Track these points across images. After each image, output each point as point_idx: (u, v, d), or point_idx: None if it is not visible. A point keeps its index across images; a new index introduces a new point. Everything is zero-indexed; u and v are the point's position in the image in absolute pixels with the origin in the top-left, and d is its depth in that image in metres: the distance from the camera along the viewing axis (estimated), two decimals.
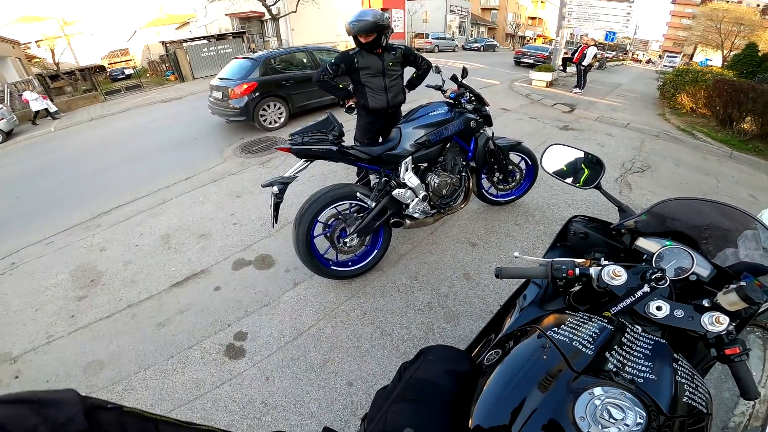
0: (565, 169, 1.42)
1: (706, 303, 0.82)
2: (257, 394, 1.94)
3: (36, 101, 11.24)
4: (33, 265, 3.23)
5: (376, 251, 2.69)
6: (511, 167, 3.21)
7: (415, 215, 2.64)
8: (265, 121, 6.49)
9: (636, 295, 0.82)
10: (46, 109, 11.42)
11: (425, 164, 2.71)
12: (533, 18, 50.74)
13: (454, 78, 2.79)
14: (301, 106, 6.89)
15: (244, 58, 6.87)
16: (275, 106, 6.54)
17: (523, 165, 3.33)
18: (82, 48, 34.08)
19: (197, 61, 17.14)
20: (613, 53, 33.27)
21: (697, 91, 8.04)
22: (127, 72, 25.50)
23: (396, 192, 2.49)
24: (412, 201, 2.57)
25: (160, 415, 0.39)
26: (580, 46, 10.23)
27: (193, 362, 2.15)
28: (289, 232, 2.62)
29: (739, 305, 0.77)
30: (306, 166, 2.34)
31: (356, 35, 2.74)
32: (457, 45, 28.26)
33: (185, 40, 18.05)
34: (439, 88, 2.95)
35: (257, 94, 6.21)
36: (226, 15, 22.07)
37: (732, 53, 24.56)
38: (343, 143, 2.34)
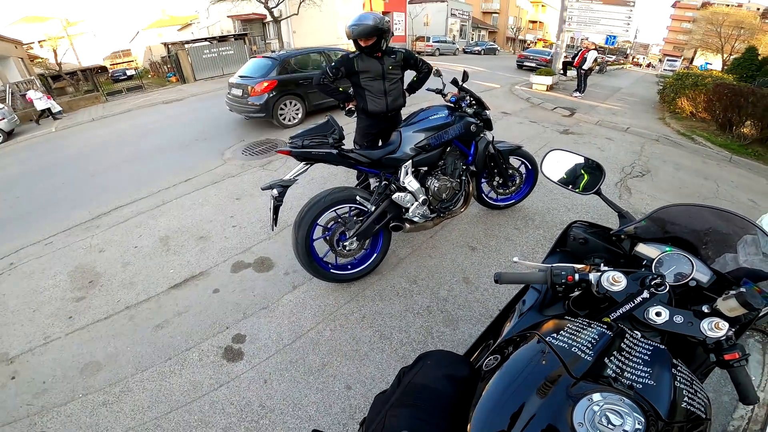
0: (565, 175, 1.42)
1: (705, 309, 0.82)
2: (255, 396, 1.93)
3: (40, 100, 11.28)
4: (31, 266, 3.22)
5: (375, 255, 2.68)
6: (511, 171, 3.21)
7: (415, 219, 2.63)
8: (283, 118, 6.68)
9: (635, 301, 0.82)
10: (49, 109, 11.45)
11: (425, 168, 2.71)
12: (534, 22, 50.95)
13: (454, 81, 2.80)
14: (317, 105, 7.08)
15: (263, 56, 7.11)
16: (293, 104, 6.77)
17: (522, 169, 3.33)
18: (85, 48, 34.23)
19: (199, 62, 17.19)
20: (614, 57, 33.38)
21: (697, 95, 8.07)
22: (128, 73, 25.62)
23: (396, 196, 2.49)
24: (412, 205, 2.57)
25: None
26: (581, 49, 10.28)
27: (191, 364, 2.14)
28: (288, 235, 2.62)
29: (739, 311, 0.77)
30: (306, 169, 2.34)
31: (356, 39, 2.75)
32: (457, 48, 28.37)
33: (187, 42, 18.10)
34: (439, 91, 2.96)
35: (276, 92, 6.41)
36: (228, 17, 22.14)
37: (732, 57, 24.64)
38: (343, 146, 2.34)
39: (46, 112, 11.44)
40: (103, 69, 25.71)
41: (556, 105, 8.29)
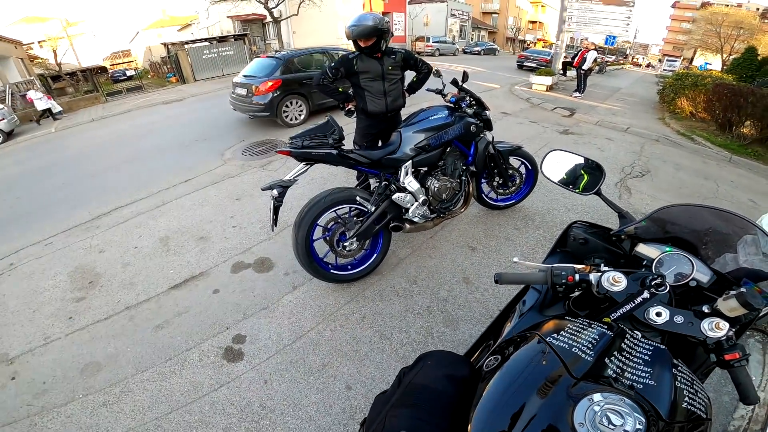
0: (565, 175, 1.42)
1: (705, 309, 0.82)
2: (255, 397, 1.93)
3: (40, 100, 11.29)
4: (31, 266, 3.22)
5: (375, 255, 2.68)
6: (510, 171, 3.21)
7: (415, 219, 2.63)
8: (287, 117, 6.72)
9: (636, 301, 0.82)
10: (50, 110, 11.45)
11: (425, 168, 2.71)
12: (533, 22, 50.98)
13: (454, 82, 2.80)
14: (320, 104, 7.10)
15: (267, 56, 7.15)
16: (296, 103, 6.82)
17: (522, 169, 3.33)
18: (85, 49, 34.20)
19: (199, 63, 17.20)
20: (613, 57, 33.40)
21: (697, 95, 8.08)
22: (128, 73, 25.63)
23: (396, 196, 2.49)
24: (412, 205, 2.57)
25: None
26: (581, 50, 10.28)
27: (191, 365, 2.14)
28: (288, 236, 2.62)
29: (739, 311, 0.77)
30: (306, 169, 2.34)
31: (356, 39, 2.75)
32: (457, 49, 28.39)
33: (187, 42, 18.11)
34: (439, 92, 2.96)
35: (280, 91, 6.47)
36: (227, 17, 22.16)
37: (731, 57, 24.66)
38: (343, 147, 2.34)
39: (46, 113, 11.44)
40: (103, 69, 25.73)
41: (556, 105, 8.30)
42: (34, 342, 2.40)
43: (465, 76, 2.83)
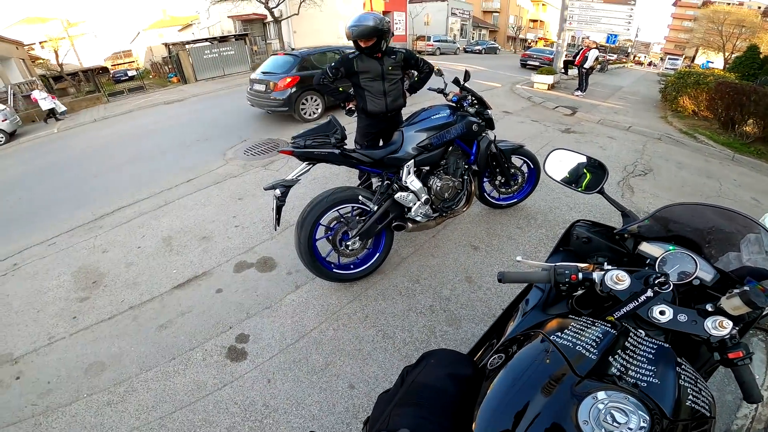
0: (568, 174, 1.42)
1: (709, 307, 0.82)
2: (259, 396, 1.94)
3: (45, 100, 11.34)
4: (35, 266, 3.24)
5: (378, 254, 2.69)
6: (513, 170, 3.20)
7: (417, 218, 2.64)
8: (304, 112, 6.98)
9: (639, 300, 0.82)
10: (53, 110, 11.49)
11: (427, 167, 2.71)
12: (534, 21, 50.82)
13: (456, 81, 2.79)
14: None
15: (284, 54, 7.46)
16: (313, 99, 7.05)
17: (525, 168, 3.33)
18: (86, 49, 34.29)
19: (200, 63, 17.19)
20: (615, 56, 33.29)
21: (699, 93, 8.05)
22: (130, 73, 25.62)
23: (398, 195, 2.49)
24: (414, 204, 2.57)
25: None
26: (582, 48, 10.26)
27: (195, 364, 2.15)
28: (291, 235, 2.63)
29: (743, 310, 0.77)
30: (308, 169, 2.34)
31: (356, 40, 2.75)
32: (458, 48, 28.30)
33: (188, 42, 18.11)
34: (441, 91, 2.95)
35: (297, 87, 6.70)
36: (228, 17, 22.14)
37: (734, 55, 24.55)
38: (345, 146, 2.35)
39: (50, 113, 11.47)
40: (105, 70, 25.71)
41: (558, 104, 8.28)
42: (38, 342, 2.41)
43: (467, 75, 2.82)
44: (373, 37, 2.72)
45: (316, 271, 2.47)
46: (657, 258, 0.97)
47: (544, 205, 3.63)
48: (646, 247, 1.03)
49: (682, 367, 0.74)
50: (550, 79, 10.39)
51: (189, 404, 1.92)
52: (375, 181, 2.73)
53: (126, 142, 7.33)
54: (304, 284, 2.71)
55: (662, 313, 0.81)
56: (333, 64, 2.92)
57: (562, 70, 12.12)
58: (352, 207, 2.49)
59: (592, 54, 9.55)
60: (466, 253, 2.97)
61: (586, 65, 9.64)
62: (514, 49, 41.18)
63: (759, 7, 40.26)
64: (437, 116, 2.64)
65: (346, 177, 4.27)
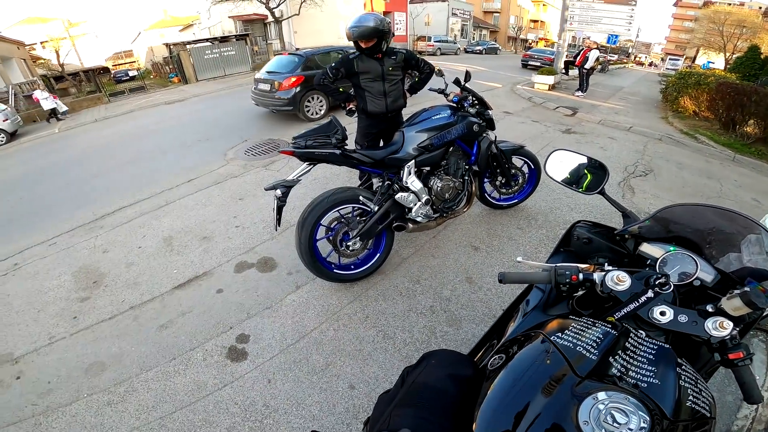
0: (568, 174, 1.42)
1: (709, 308, 0.82)
2: (259, 396, 1.94)
3: (47, 100, 11.36)
4: (36, 266, 3.24)
5: (378, 255, 2.69)
6: (513, 171, 3.20)
7: (418, 219, 2.64)
8: (309, 112, 7.03)
9: (640, 301, 0.82)
10: (54, 109, 11.50)
11: (428, 168, 2.71)
12: (535, 21, 50.84)
13: (456, 81, 2.79)
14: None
15: (289, 54, 7.52)
16: (317, 99, 7.15)
17: (525, 169, 3.33)
18: (87, 49, 34.32)
19: (201, 63, 17.22)
20: (616, 56, 33.27)
21: (700, 94, 8.04)
22: (131, 74, 25.65)
23: (399, 196, 2.49)
24: (415, 205, 2.57)
25: None
26: (583, 48, 10.26)
27: (195, 364, 2.15)
28: (291, 235, 2.63)
29: (743, 310, 0.77)
30: (309, 169, 2.34)
31: (356, 40, 2.75)
32: (459, 48, 28.31)
33: (189, 42, 18.12)
34: (441, 91, 2.95)
35: (302, 87, 6.76)
36: (229, 17, 22.18)
37: (734, 56, 24.54)
38: (346, 147, 2.35)
39: (52, 113, 11.49)
40: (106, 70, 25.74)
41: (558, 104, 8.28)
42: (38, 342, 2.41)
43: (467, 76, 2.82)
44: (373, 38, 2.72)
45: (317, 272, 2.47)
46: (657, 259, 0.97)
47: (544, 206, 3.63)
48: (646, 248, 1.03)
49: (683, 367, 0.74)
50: (550, 79, 10.39)
51: (189, 404, 1.92)
52: (376, 182, 2.73)
53: (127, 142, 7.34)
54: (305, 284, 2.71)
55: (663, 313, 0.81)
56: (333, 64, 2.92)
57: (563, 71, 12.12)
58: (353, 207, 2.49)
59: (593, 54, 9.55)
60: (466, 253, 2.97)
61: (587, 66, 9.64)
62: (515, 49, 41.19)
63: (760, 8, 40.28)
64: (438, 117, 2.64)
65: (347, 177, 4.28)
